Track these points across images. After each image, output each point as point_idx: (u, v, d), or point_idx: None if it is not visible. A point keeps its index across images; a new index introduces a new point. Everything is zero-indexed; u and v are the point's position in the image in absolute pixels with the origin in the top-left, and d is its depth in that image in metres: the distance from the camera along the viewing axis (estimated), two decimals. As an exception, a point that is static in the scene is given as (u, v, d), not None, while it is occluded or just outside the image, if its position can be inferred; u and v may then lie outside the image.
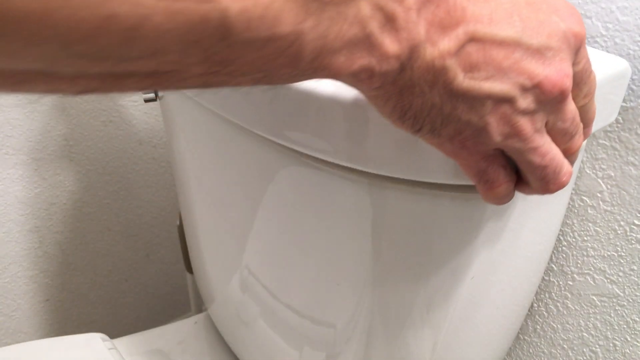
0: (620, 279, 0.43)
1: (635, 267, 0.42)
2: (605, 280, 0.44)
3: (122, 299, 0.93)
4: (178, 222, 0.71)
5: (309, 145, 0.33)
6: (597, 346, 0.47)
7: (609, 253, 0.43)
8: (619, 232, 0.42)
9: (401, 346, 0.41)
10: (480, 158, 0.24)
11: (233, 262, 0.49)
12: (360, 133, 0.30)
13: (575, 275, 0.46)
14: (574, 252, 0.45)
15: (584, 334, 0.47)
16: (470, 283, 0.37)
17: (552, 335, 0.50)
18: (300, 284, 0.43)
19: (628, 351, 0.45)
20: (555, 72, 0.22)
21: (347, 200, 0.35)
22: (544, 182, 0.25)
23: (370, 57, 0.20)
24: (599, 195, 0.42)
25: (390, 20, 0.19)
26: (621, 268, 0.43)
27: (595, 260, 0.44)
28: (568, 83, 0.23)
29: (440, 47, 0.20)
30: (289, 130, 0.33)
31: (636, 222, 0.41)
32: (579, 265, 0.45)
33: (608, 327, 0.45)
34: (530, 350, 0.53)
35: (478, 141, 0.23)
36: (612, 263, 0.43)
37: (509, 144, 0.23)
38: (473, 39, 0.21)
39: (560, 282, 0.47)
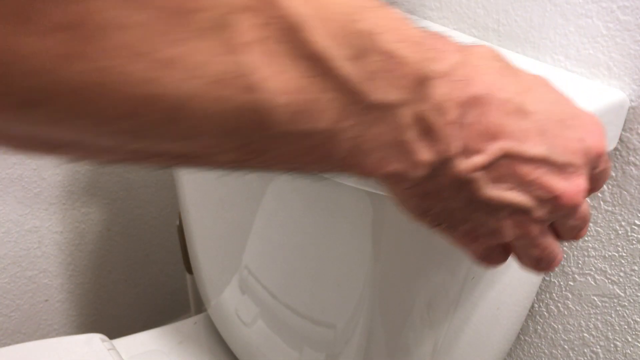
0: (621, 280, 0.43)
1: (636, 268, 0.42)
2: (606, 281, 0.44)
3: (122, 300, 0.93)
4: (178, 223, 0.71)
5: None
6: (598, 347, 0.47)
7: (609, 253, 0.43)
8: (620, 232, 0.42)
9: (402, 347, 0.41)
10: (485, 248, 0.26)
11: (233, 263, 0.49)
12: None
13: (576, 276, 0.46)
14: (575, 253, 0.45)
15: (585, 334, 0.47)
16: (470, 283, 0.37)
17: (553, 336, 0.50)
18: (300, 285, 0.42)
19: (629, 352, 0.45)
20: (573, 187, 0.24)
21: (347, 203, 0.35)
22: (536, 266, 0.27)
23: (402, 162, 0.20)
24: (599, 195, 0.42)
25: (429, 131, 0.20)
26: (622, 268, 0.43)
27: (596, 261, 0.44)
28: (582, 197, 0.24)
29: (474, 161, 0.21)
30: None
31: (637, 222, 0.40)
32: (579, 265, 0.45)
33: (609, 328, 0.45)
34: (531, 351, 0.53)
35: (490, 238, 0.25)
36: (613, 263, 0.43)
37: (516, 242, 0.25)
38: (506, 155, 0.22)
39: (561, 283, 0.47)
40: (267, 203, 0.40)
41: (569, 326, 0.48)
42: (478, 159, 0.21)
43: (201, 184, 0.48)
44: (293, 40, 0.16)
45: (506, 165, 0.22)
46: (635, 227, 0.41)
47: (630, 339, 0.44)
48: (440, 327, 0.39)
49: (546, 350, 0.51)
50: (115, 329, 0.95)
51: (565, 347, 0.49)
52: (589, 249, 0.44)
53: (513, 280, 0.41)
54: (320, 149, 0.18)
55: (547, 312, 0.50)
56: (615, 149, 0.39)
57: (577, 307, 0.47)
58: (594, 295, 0.45)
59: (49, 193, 0.76)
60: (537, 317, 0.51)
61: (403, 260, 0.36)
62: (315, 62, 0.16)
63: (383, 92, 0.18)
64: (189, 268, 0.72)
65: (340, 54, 0.17)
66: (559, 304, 0.48)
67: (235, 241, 0.47)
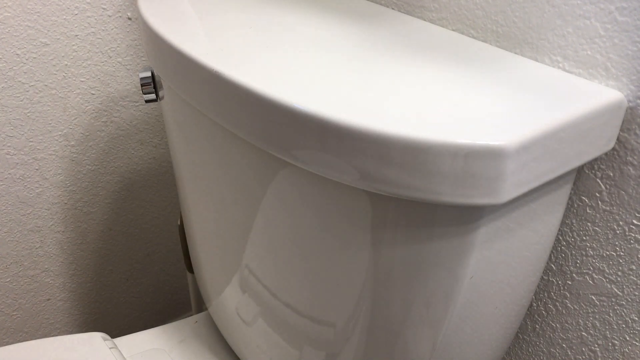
0: (619, 279, 0.43)
1: (634, 267, 0.42)
2: (604, 280, 0.44)
3: (123, 298, 0.93)
4: (179, 222, 0.71)
5: (316, 165, 0.33)
6: (596, 345, 0.47)
7: (607, 253, 0.43)
8: (617, 231, 0.42)
9: (401, 345, 0.41)
10: None
11: (233, 262, 0.49)
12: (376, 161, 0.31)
13: (574, 275, 0.46)
14: (573, 252, 0.46)
15: (583, 333, 0.47)
16: (469, 283, 0.37)
17: (551, 335, 0.50)
18: (300, 284, 0.43)
19: (627, 350, 0.45)
20: None
21: (346, 202, 0.35)
22: None
23: None
24: (597, 195, 0.42)
25: None
26: (620, 267, 0.43)
27: (594, 260, 0.44)
28: None
29: None
30: (296, 150, 0.33)
31: (635, 221, 0.41)
32: (578, 264, 0.46)
33: (607, 327, 0.45)
34: (530, 350, 0.53)
35: None
36: (610, 262, 0.43)
37: None
38: None
39: (559, 282, 0.48)
40: (267, 202, 0.41)
41: (567, 325, 0.49)
42: None
43: (202, 183, 0.48)
44: None
45: None
46: (633, 227, 0.41)
47: (628, 338, 0.44)
48: (439, 325, 0.39)
49: (544, 349, 0.51)
50: (116, 328, 0.95)
51: (564, 345, 0.50)
52: (587, 249, 0.44)
53: (511, 279, 0.41)
54: None
55: (546, 311, 0.50)
56: (613, 149, 0.40)
57: (575, 306, 0.47)
58: (592, 294, 0.46)
59: (50, 193, 0.77)
60: (536, 315, 0.51)
61: (402, 259, 0.36)
62: None
63: None
64: (189, 267, 0.73)
65: None
66: (557, 303, 0.49)
67: (236, 240, 0.47)
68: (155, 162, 0.84)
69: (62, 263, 0.83)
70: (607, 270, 0.44)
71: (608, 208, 0.42)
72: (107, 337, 0.63)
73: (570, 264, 0.46)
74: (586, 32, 0.38)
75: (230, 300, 0.54)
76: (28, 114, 0.70)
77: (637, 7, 0.35)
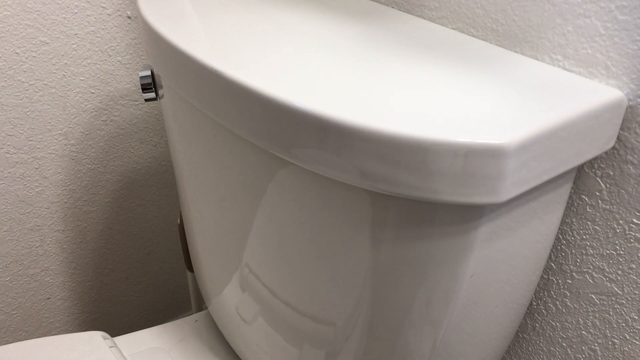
0: (619, 278, 0.43)
1: (634, 266, 0.42)
2: (604, 279, 0.44)
3: (123, 297, 0.93)
4: (179, 221, 0.71)
5: (316, 164, 0.33)
6: (595, 344, 0.47)
7: (607, 251, 0.43)
8: (617, 230, 0.42)
9: (401, 344, 0.41)
10: None
11: (233, 261, 0.49)
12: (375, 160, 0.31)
13: (574, 274, 0.46)
14: (573, 251, 0.46)
15: (583, 332, 0.47)
16: (469, 281, 0.37)
17: (551, 334, 0.50)
18: (300, 283, 0.43)
19: (627, 349, 0.45)
20: None
21: (347, 201, 0.35)
22: None
23: None
24: (597, 194, 0.42)
25: None
26: (620, 266, 0.43)
27: (594, 259, 0.44)
28: None
29: None
30: (296, 149, 0.33)
31: (635, 220, 0.41)
32: (578, 263, 0.46)
33: (607, 326, 0.46)
34: (530, 349, 0.53)
35: None
36: (610, 261, 0.43)
37: None
38: None
39: (559, 281, 0.48)
40: (267, 201, 0.41)
41: (567, 324, 0.49)
42: None
43: (202, 182, 0.48)
44: None
45: None
46: (633, 226, 0.41)
47: (628, 337, 0.44)
48: (440, 324, 0.39)
49: (544, 348, 0.52)
50: (116, 327, 0.95)
51: (564, 344, 0.50)
52: (587, 247, 0.44)
53: (511, 278, 0.41)
54: None
55: (546, 309, 0.50)
56: (614, 148, 0.40)
57: (575, 305, 0.47)
58: (592, 293, 0.46)
59: (50, 192, 0.77)
60: (536, 314, 0.51)
61: (402, 258, 0.36)
62: None
63: None
64: (189, 266, 0.73)
65: None
66: (557, 302, 0.49)
67: (236, 239, 0.47)
68: (155, 161, 0.84)
69: (62, 262, 0.83)
70: (607, 269, 0.44)
71: (608, 207, 0.42)
72: (107, 335, 0.63)
73: (570, 262, 0.46)
74: (586, 31, 0.38)
75: (230, 299, 0.54)
76: (28, 113, 0.70)
77: (638, 5, 0.35)
